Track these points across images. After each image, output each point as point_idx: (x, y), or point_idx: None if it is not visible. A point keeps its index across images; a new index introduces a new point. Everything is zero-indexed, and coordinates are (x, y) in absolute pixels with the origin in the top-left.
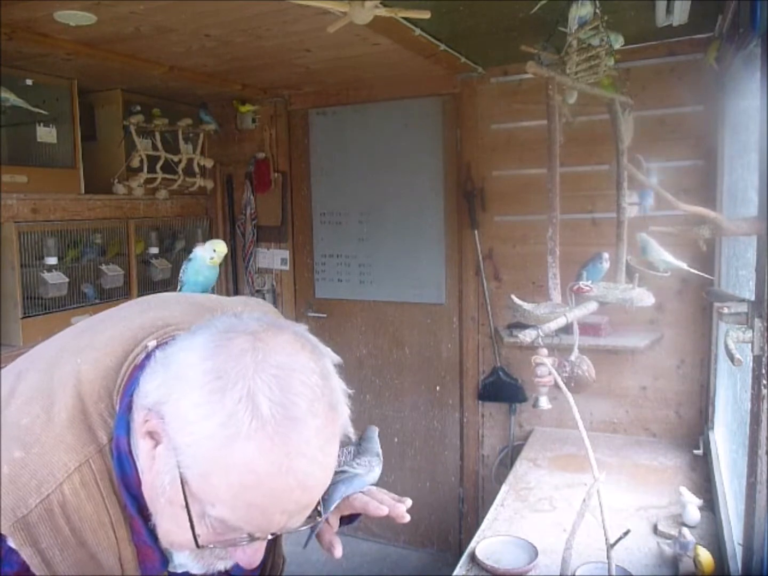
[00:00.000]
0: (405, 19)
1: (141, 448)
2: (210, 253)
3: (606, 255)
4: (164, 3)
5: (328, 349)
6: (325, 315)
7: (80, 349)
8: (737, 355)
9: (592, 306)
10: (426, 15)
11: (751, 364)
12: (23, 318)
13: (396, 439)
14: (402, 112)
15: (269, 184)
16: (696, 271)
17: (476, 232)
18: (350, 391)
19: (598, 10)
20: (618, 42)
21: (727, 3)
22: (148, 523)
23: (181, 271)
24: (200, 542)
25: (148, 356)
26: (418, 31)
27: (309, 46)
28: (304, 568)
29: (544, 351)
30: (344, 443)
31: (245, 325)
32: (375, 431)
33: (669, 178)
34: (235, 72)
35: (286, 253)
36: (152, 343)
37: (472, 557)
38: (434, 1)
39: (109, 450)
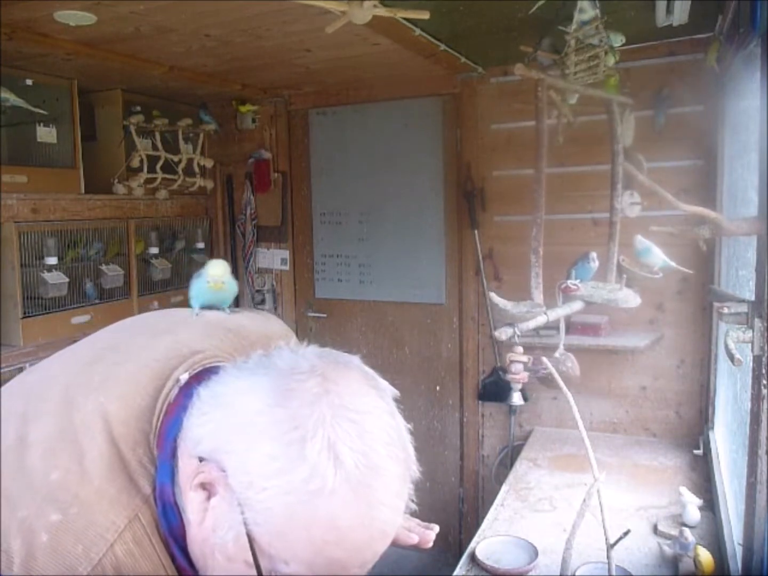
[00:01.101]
0: (405, 19)
1: (191, 499)
2: (206, 277)
3: (594, 255)
4: (164, 3)
5: (386, 383)
6: (325, 315)
7: (98, 384)
8: (737, 355)
9: (577, 305)
10: (425, 15)
11: (751, 364)
12: (23, 318)
13: None
14: (402, 112)
15: (269, 184)
16: (684, 269)
17: (476, 232)
18: (409, 426)
19: (597, 10)
20: (618, 41)
21: (727, 3)
22: None
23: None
24: None
25: (185, 393)
26: (417, 31)
27: (309, 46)
28: None
29: (519, 349)
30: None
31: (309, 362)
32: None
33: (669, 178)
34: (235, 72)
35: (286, 253)
36: (184, 376)
37: (472, 557)
38: (434, 1)
39: (153, 501)
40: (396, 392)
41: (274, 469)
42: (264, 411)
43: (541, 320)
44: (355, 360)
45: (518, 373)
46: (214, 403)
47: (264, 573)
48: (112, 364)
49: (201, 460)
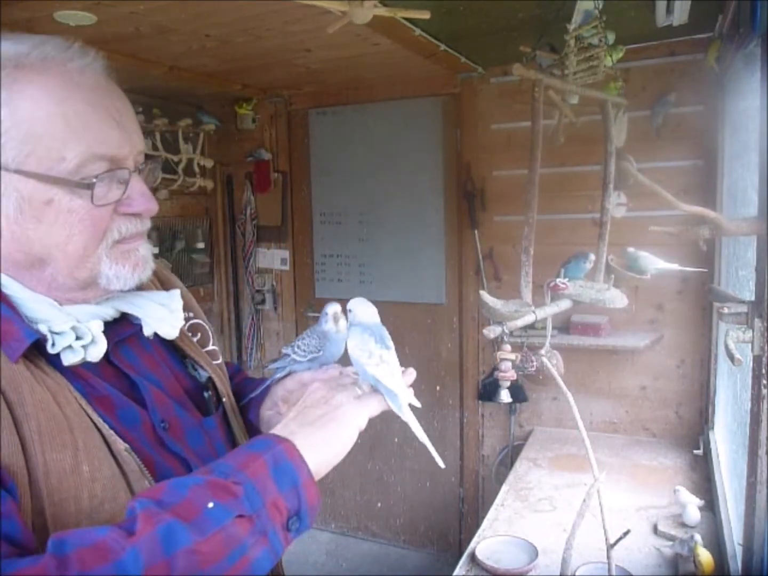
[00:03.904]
0: (405, 19)
1: None
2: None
3: (591, 256)
4: (164, 3)
5: None
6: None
7: None
8: (737, 355)
9: (565, 304)
10: (426, 15)
11: (751, 364)
12: None
13: (396, 439)
14: (402, 112)
15: (269, 184)
16: (691, 268)
17: (476, 232)
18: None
19: (597, 10)
20: (610, 39)
21: (727, 3)
22: None
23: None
24: (95, 198)
25: None
26: (418, 31)
27: (309, 46)
28: (305, 569)
29: (508, 347)
30: None
31: None
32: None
33: (669, 178)
34: (235, 72)
35: (286, 253)
36: None
37: (472, 557)
38: (434, 1)
39: None
40: None
41: None
42: None
43: (529, 319)
44: None
45: (507, 371)
46: None
47: (65, 194)
48: None
49: None
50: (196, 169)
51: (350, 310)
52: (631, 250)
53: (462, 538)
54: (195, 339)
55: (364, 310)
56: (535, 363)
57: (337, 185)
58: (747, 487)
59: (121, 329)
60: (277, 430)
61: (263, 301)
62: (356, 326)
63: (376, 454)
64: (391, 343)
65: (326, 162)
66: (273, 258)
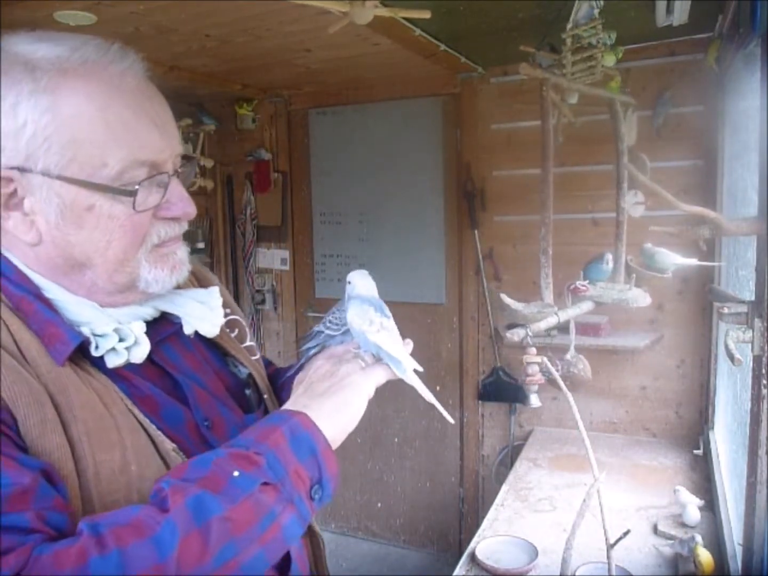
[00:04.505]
0: (405, 19)
1: (14, 226)
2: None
3: (609, 256)
4: (164, 3)
5: None
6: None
7: None
8: (737, 355)
9: (587, 306)
10: (426, 15)
11: (751, 364)
12: None
13: (396, 439)
14: (402, 112)
15: (269, 184)
16: (706, 263)
17: (476, 232)
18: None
19: (596, 10)
20: (612, 39)
21: (727, 3)
22: (45, 302)
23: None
24: (136, 204)
25: None
26: (418, 31)
27: (309, 46)
28: None
29: (533, 350)
30: None
31: None
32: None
33: (669, 178)
34: (235, 72)
35: (286, 253)
36: None
37: (472, 557)
38: (434, 1)
39: None
40: None
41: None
42: None
43: (552, 321)
44: None
45: (534, 375)
46: None
47: (105, 199)
48: None
49: None
50: (196, 169)
51: (349, 282)
52: (648, 246)
53: (462, 538)
54: (233, 335)
55: (363, 282)
56: (561, 368)
57: (337, 185)
58: (747, 487)
59: (162, 328)
60: (289, 405)
61: (263, 301)
62: (355, 298)
63: (376, 454)
64: (389, 313)
65: (326, 162)
66: (273, 258)
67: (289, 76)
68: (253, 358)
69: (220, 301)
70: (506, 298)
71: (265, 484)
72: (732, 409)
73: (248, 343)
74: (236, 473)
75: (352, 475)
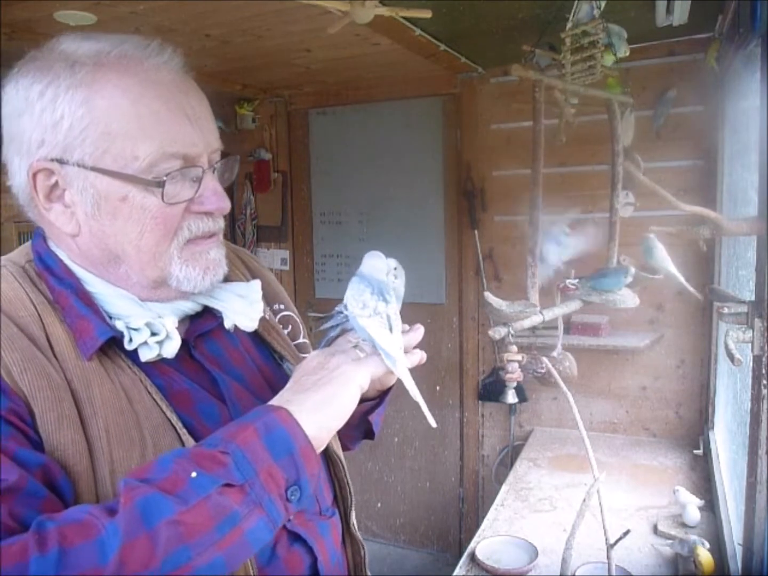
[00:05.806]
0: (405, 18)
1: (55, 218)
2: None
3: (632, 269)
4: (164, 3)
5: None
6: (325, 315)
7: None
8: (737, 355)
9: (574, 305)
10: (427, 14)
11: (751, 364)
12: None
13: (396, 439)
14: (402, 112)
15: (269, 184)
16: (690, 289)
17: (476, 232)
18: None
19: (597, 10)
20: (622, 49)
21: (727, 3)
22: (81, 296)
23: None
24: (166, 196)
25: None
26: (418, 31)
27: (309, 46)
28: None
29: (514, 348)
30: None
31: None
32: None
33: (669, 178)
34: (235, 72)
35: (286, 253)
36: None
37: (472, 557)
38: (434, 1)
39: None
40: None
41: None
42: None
43: (536, 320)
44: None
45: (514, 372)
46: None
47: (138, 188)
48: None
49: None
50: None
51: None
52: (651, 237)
53: (462, 538)
54: (286, 331)
55: (371, 263)
56: (544, 366)
57: (337, 185)
58: (747, 487)
59: (204, 323)
60: (273, 401)
61: None
62: (356, 276)
63: (376, 454)
64: (391, 298)
65: (326, 162)
66: (273, 258)
67: (289, 76)
68: (304, 355)
69: (259, 294)
70: (490, 297)
71: (229, 485)
72: (732, 409)
73: (301, 340)
74: (194, 474)
75: (351, 475)
